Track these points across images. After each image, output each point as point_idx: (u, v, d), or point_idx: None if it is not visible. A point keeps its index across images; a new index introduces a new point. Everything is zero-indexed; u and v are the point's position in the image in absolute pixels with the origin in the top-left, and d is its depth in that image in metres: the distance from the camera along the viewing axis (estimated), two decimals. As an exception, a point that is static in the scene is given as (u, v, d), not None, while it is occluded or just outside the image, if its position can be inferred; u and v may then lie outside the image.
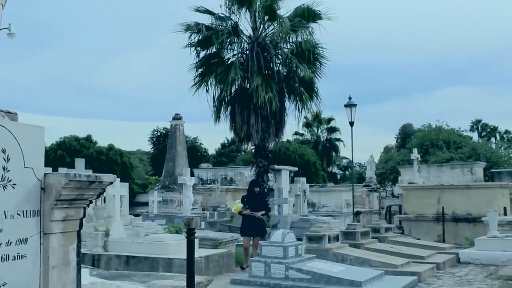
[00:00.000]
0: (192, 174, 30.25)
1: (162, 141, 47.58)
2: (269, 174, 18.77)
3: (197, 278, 7.66)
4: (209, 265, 10.63)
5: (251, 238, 12.05)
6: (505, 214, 17.18)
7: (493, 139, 58.88)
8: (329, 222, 16.35)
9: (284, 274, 9.30)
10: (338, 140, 56.14)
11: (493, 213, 13.63)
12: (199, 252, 10.84)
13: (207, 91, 18.88)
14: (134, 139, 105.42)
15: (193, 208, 22.13)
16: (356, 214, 23.58)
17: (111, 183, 4.08)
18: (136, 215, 21.24)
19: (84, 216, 3.98)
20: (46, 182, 3.44)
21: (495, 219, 13.55)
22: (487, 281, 10.14)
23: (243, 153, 46.23)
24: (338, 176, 64.65)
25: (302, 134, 55.84)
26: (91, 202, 4.06)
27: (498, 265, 11.95)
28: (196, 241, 11.41)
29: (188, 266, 4.18)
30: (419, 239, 16.56)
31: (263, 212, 12.22)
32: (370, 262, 10.75)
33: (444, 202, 18.37)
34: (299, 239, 11.24)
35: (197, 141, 56.56)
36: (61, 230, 3.60)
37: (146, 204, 26.55)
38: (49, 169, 5.27)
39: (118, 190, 12.40)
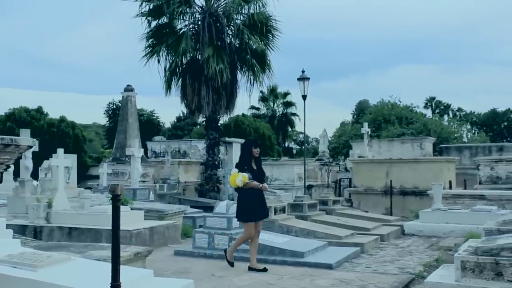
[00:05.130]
0: (145, 147, 29.95)
1: (118, 114, 46.81)
2: (220, 146, 18.68)
3: (136, 249, 7.57)
4: (153, 237, 10.54)
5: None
6: (450, 187, 17.56)
7: (446, 117, 60.09)
8: (280, 195, 16.44)
9: (227, 245, 9.33)
10: (294, 114, 56.34)
11: (438, 187, 13.87)
12: (143, 224, 10.77)
13: (158, 62, 18.57)
14: (90, 112, 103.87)
15: (145, 181, 21.89)
16: (308, 187, 23.75)
17: (30, 147, 3.92)
18: (89, 188, 20.92)
19: (0, 181, 3.83)
20: (-46, 145, 3.26)
21: (440, 192, 13.80)
22: (428, 252, 10.36)
23: (198, 126, 46.01)
24: (294, 151, 65.06)
25: (258, 108, 55.87)
26: (8, 166, 3.90)
27: (440, 237, 12.24)
28: (142, 213, 11.38)
29: (113, 235, 4.06)
30: (367, 211, 16.81)
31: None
32: (315, 234, 10.83)
33: (392, 175, 18.62)
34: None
35: (153, 114, 55.94)
36: (-28, 195, 3.44)
37: (99, 177, 26.14)
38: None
39: (62, 161, 12.11)
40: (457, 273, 6.00)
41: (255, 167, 8.38)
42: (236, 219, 8.65)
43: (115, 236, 4.18)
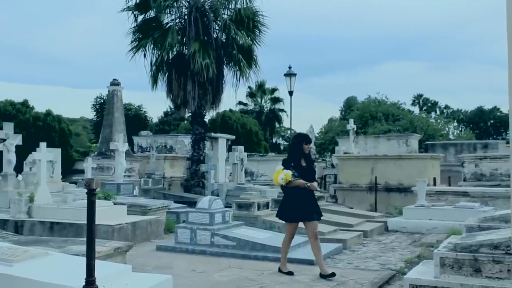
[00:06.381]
0: (132, 142, 29.80)
1: (105, 108, 46.51)
2: (205, 142, 18.62)
3: (116, 244, 7.51)
4: (136, 232, 10.48)
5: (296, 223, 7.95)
6: (434, 184, 17.65)
7: (433, 114, 60.38)
8: (265, 191, 16.39)
9: (209, 240, 9.32)
10: (282, 110, 56.25)
11: (422, 183, 13.93)
12: (126, 219, 10.72)
13: (144, 56, 18.50)
14: (78, 106, 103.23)
15: (130, 175, 21.79)
16: (294, 183, 23.68)
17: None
18: (74, 183, 20.79)
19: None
20: None
21: (424, 189, 13.86)
22: (410, 248, 10.40)
23: (185, 121, 45.88)
24: (282, 147, 65.01)
25: (245, 104, 55.74)
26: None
27: (424, 233, 12.30)
28: (124, 208, 11.31)
29: (88, 229, 4.02)
30: (352, 208, 16.82)
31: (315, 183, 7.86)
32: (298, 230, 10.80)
33: (377, 172, 18.66)
34: (229, 206, 11.24)
35: (141, 109, 55.65)
36: None
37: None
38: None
39: (44, 155, 11.98)
40: (436, 270, 6.01)
41: (304, 164, 7.69)
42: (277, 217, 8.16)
43: (90, 231, 4.13)
